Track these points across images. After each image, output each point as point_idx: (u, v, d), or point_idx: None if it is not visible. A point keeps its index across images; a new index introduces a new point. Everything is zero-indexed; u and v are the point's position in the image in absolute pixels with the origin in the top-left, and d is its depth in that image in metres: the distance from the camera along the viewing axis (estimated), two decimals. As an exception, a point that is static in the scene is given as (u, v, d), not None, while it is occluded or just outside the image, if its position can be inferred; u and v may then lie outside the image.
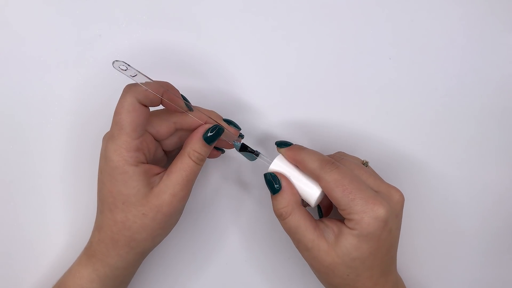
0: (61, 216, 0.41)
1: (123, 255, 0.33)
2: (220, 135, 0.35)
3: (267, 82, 0.42)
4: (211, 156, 0.37)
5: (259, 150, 0.37)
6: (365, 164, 0.36)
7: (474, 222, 0.42)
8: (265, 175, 0.35)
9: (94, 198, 0.35)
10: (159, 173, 0.34)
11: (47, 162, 0.41)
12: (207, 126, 0.35)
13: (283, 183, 0.34)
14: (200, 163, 0.34)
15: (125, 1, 0.41)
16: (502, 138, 0.42)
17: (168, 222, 0.34)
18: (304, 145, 0.35)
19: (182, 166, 0.33)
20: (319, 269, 0.33)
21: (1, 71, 0.41)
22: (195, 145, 0.34)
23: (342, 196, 0.31)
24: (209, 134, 0.34)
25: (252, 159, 0.37)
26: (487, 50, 0.42)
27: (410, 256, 0.42)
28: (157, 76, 0.34)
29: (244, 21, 0.42)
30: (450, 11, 0.42)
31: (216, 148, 0.37)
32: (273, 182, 0.34)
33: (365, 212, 0.31)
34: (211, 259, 0.42)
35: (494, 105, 0.42)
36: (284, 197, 0.33)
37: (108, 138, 0.33)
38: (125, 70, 0.32)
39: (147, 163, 0.34)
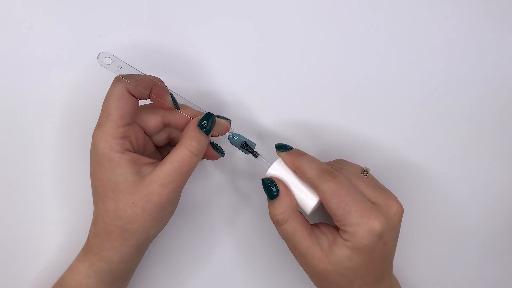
0: (60, 215, 0.41)
1: (117, 248, 0.33)
2: (214, 121, 0.34)
3: (266, 82, 0.42)
4: (211, 157, 0.36)
5: (257, 151, 0.36)
6: (365, 172, 0.36)
7: (474, 221, 0.42)
8: (263, 180, 0.34)
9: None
10: (149, 163, 0.33)
11: (47, 162, 0.41)
12: (200, 116, 0.34)
13: (281, 189, 0.33)
14: (197, 154, 0.33)
15: (125, 1, 0.41)
16: (502, 137, 0.42)
17: (160, 213, 0.33)
18: (304, 146, 0.35)
19: (176, 157, 0.32)
20: (313, 275, 0.34)
21: (1, 71, 0.41)
22: (191, 133, 0.33)
23: (338, 207, 0.31)
24: (204, 122, 0.34)
25: (248, 153, 0.36)
26: (487, 50, 0.42)
27: (409, 256, 0.42)
28: (157, 75, 0.35)
29: (246, 21, 0.42)
30: (450, 11, 0.42)
31: (216, 150, 0.36)
32: (271, 187, 0.34)
33: (360, 226, 0.31)
34: (210, 259, 0.42)
35: (494, 105, 0.42)
36: (281, 204, 0.33)
37: (96, 127, 0.33)
38: (110, 64, 0.32)
39: (135, 153, 0.34)
